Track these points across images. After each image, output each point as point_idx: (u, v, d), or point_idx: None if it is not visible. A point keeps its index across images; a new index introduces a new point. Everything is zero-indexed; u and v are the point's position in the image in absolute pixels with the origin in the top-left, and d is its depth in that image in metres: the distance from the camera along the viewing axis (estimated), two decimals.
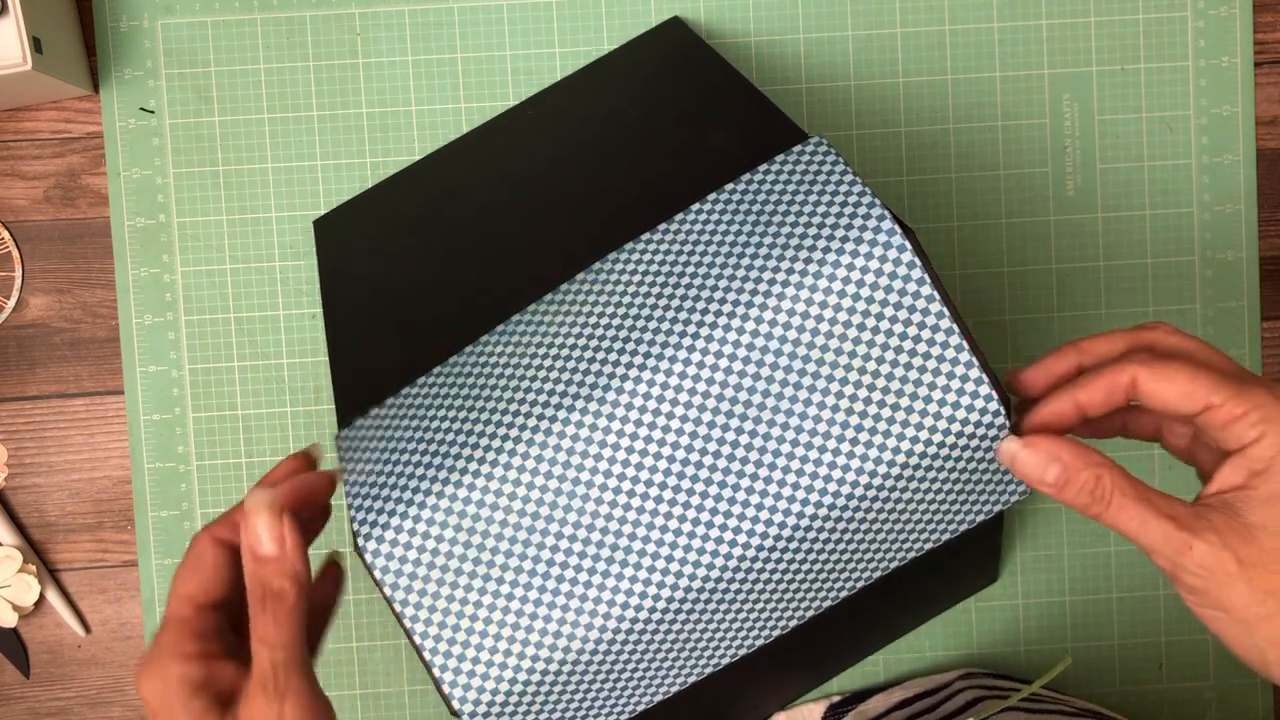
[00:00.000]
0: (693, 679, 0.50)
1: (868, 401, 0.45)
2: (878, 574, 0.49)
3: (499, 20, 0.67)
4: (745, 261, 0.46)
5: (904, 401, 0.45)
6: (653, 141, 0.57)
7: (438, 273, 0.57)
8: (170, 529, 0.68)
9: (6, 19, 0.60)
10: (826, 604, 0.49)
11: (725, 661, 0.50)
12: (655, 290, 0.47)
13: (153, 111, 0.68)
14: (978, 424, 0.45)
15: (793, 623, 0.49)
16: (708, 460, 0.45)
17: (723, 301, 0.46)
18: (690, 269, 0.47)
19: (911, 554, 0.49)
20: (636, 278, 0.48)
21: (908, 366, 0.45)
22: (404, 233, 0.61)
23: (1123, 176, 0.68)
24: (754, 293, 0.46)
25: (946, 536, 0.49)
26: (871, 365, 0.45)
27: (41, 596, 0.68)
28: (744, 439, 0.45)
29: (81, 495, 0.69)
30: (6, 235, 0.68)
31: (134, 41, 0.67)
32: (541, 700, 0.47)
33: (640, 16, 0.67)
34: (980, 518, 0.49)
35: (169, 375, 0.68)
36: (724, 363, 0.45)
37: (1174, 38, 0.68)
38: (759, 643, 0.49)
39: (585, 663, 0.46)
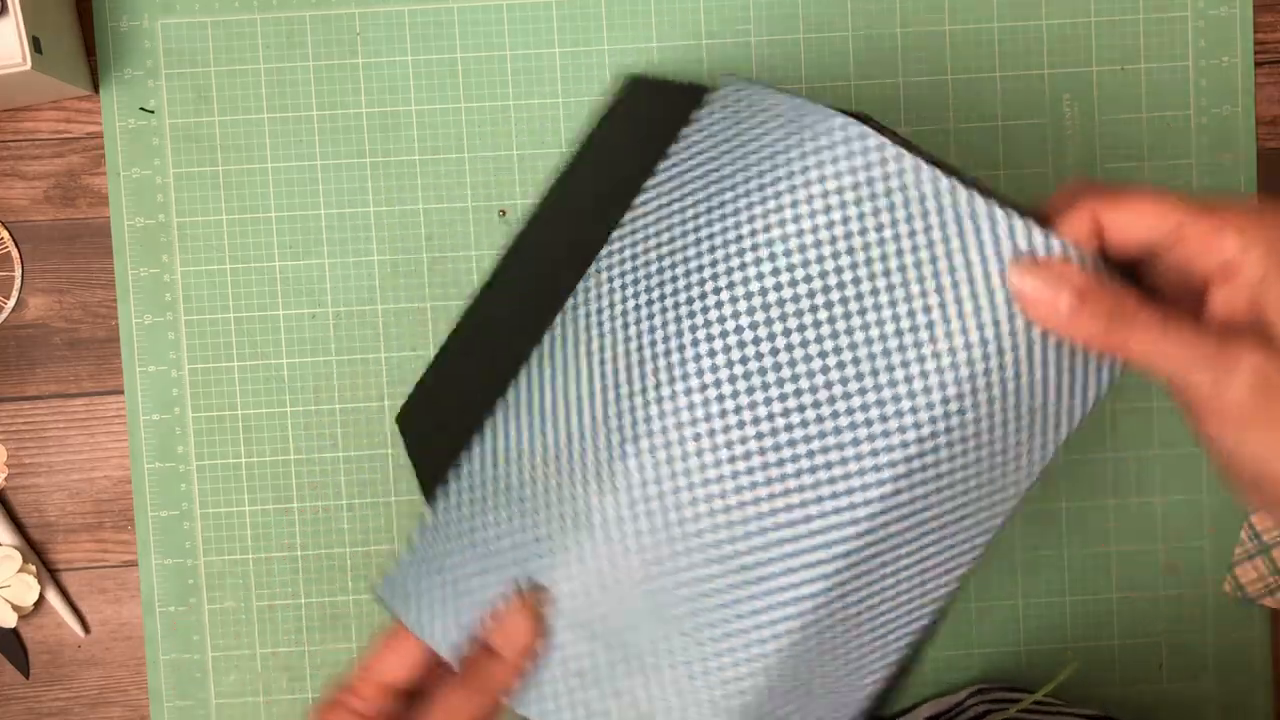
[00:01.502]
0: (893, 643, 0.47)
1: (924, 294, 0.41)
2: (1013, 500, 0.45)
3: (499, 20, 0.67)
4: (721, 226, 0.43)
5: (957, 276, 0.41)
6: None
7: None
8: (170, 529, 0.68)
9: (6, 19, 0.60)
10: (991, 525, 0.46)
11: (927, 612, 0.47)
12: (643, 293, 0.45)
13: (153, 111, 0.68)
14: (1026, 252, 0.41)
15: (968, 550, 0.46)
16: (793, 433, 0.42)
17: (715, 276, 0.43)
18: (672, 251, 0.44)
19: (1037, 467, 0.45)
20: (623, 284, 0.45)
21: (935, 242, 0.41)
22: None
23: (1123, 176, 0.68)
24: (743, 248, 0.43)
25: (1064, 431, 0.44)
26: (906, 259, 0.41)
27: (41, 597, 0.68)
28: (817, 398, 0.42)
29: (81, 495, 0.69)
30: (6, 235, 0.68)
31: (134, 41, 0.67)
32: None
33: (641, 16, 0.67)
34: (1083, 400, 0.44)
35: (169, 375, 0.68)
36: (758, 330, 0.42)
37: (1174, 38, 0.68)
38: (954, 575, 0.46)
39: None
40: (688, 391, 0.43)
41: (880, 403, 0.42)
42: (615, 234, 0.47)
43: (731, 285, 0.43)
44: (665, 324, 0.44)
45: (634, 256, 0.46)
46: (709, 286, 0.43)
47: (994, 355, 0.42)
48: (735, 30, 0.68)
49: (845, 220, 0.42)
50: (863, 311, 0.42)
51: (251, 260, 0.68)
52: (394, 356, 0.68)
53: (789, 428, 0.42)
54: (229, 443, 0.68)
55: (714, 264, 0.43)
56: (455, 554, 0.47)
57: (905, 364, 0.42)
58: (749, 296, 0.42)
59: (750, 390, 0.42)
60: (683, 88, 0.55)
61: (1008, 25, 0.68)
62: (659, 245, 0.45)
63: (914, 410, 0.42)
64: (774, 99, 0.45)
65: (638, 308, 0.45)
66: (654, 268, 0.45)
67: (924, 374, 0.42)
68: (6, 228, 0.68)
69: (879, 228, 0.42)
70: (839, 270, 0.42)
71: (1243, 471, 0.40)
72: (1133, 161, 0.68)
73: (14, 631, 0.69)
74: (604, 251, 0.47)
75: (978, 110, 0.68)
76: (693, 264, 0.44)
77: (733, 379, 0.42)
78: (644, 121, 0.55)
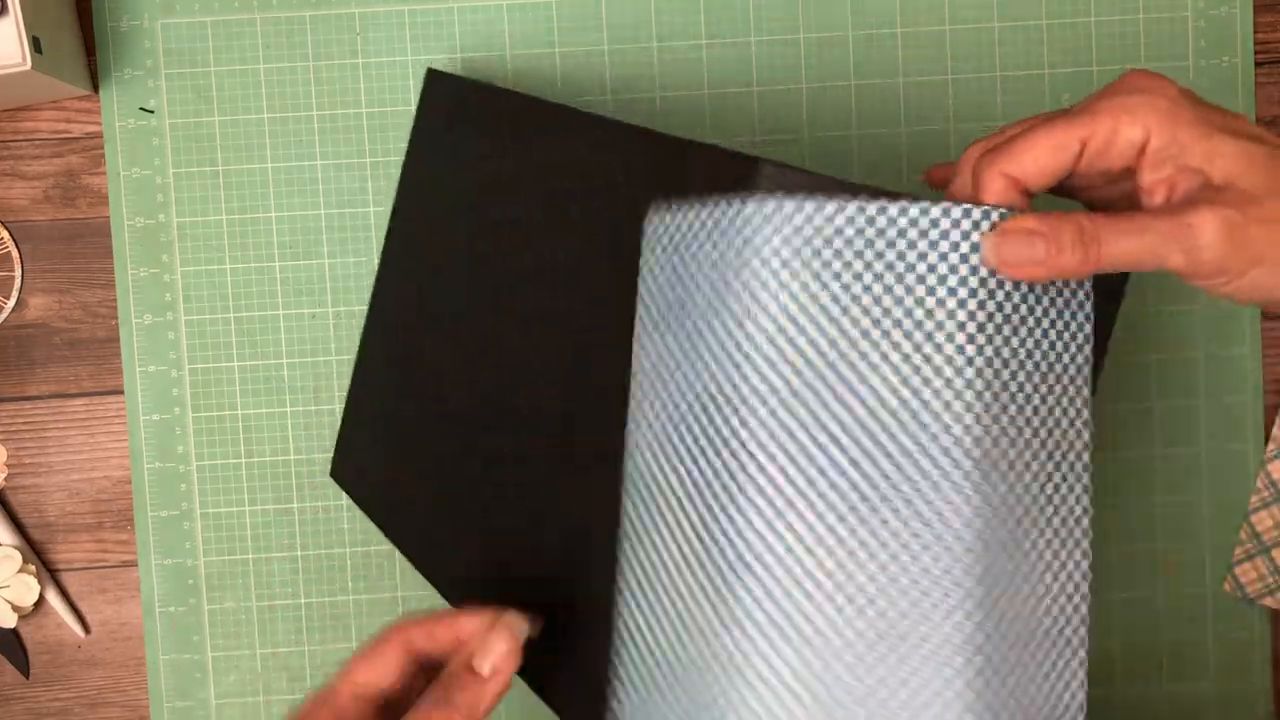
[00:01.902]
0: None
1: (896, 325, 0.42)
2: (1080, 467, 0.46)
3: (499, 20, 0.67)
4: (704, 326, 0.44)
5: (917, 291, 0.42)
6: (560, 217, 0.54)
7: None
8: (170, 529, 0.68)
9: (6, 19, 0.60)
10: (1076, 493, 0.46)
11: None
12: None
13: (152, 111, 0.68)
14: (976, 233, 0.43)
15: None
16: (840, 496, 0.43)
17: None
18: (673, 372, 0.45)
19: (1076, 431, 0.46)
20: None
21: (893, 264, 0.42)
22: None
23: None
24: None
25: (1081, 385, 0.46)
26: (865, 300, 0.42)
27: (41, 597, 0.68)
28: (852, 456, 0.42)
29: (81, 495, 0.69)
30: (6, 235, 0.68)
31: (134, 41, 0.67)
32: None
33: (641, 15, 0.67)
34: (1080, 338, 0.46)
35: (169, 375, 0.68)
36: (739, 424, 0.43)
37: (1174, 38, 0.68)
38: None
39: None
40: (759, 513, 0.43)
41: (920, 447, 0.43)
42: (632, 406, 0.48)
43: (734, 399, 0.43)
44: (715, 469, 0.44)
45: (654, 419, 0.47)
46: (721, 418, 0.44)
47: (987, 346, 0.43)
48: (735, 30, 0.68)
49: (806, 288, 0.42)
50: (869, 367, 0.43)
51: (251, 260, 0.68)
52: None
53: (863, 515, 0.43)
54: (229, 443, 0.68)
55: (714, 397, 0.44)
56: None
57: (920, 397, 0.43)
58: (759, 399, 0.43)
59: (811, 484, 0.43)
60: (476, 85, 0.58)
61: (1008, 25, 0.68)
62: (668, 404, 0.46)
63: (948, 446, 0.43)
64: (699, 220, 0.45)
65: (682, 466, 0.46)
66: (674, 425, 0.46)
67: (938, 406, 0.43)
68: (6, 228, 0.68)
69: (840, 281, 0.43)
70: (827, 339, 0.43)
71: (1246, 302, 0.44)
72: None
73: (14, 631, 0.69)
74: (630, 423, 0.48)
75: (978, 110, 0.68)
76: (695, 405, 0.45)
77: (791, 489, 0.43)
78: (451, 117, 0.59)
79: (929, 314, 0.42)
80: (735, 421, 0.43)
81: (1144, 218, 0.42)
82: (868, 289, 0.42)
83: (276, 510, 0.68)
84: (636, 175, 0.49)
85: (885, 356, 0.42)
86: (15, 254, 0.68)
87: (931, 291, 0.42)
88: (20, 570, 0.67)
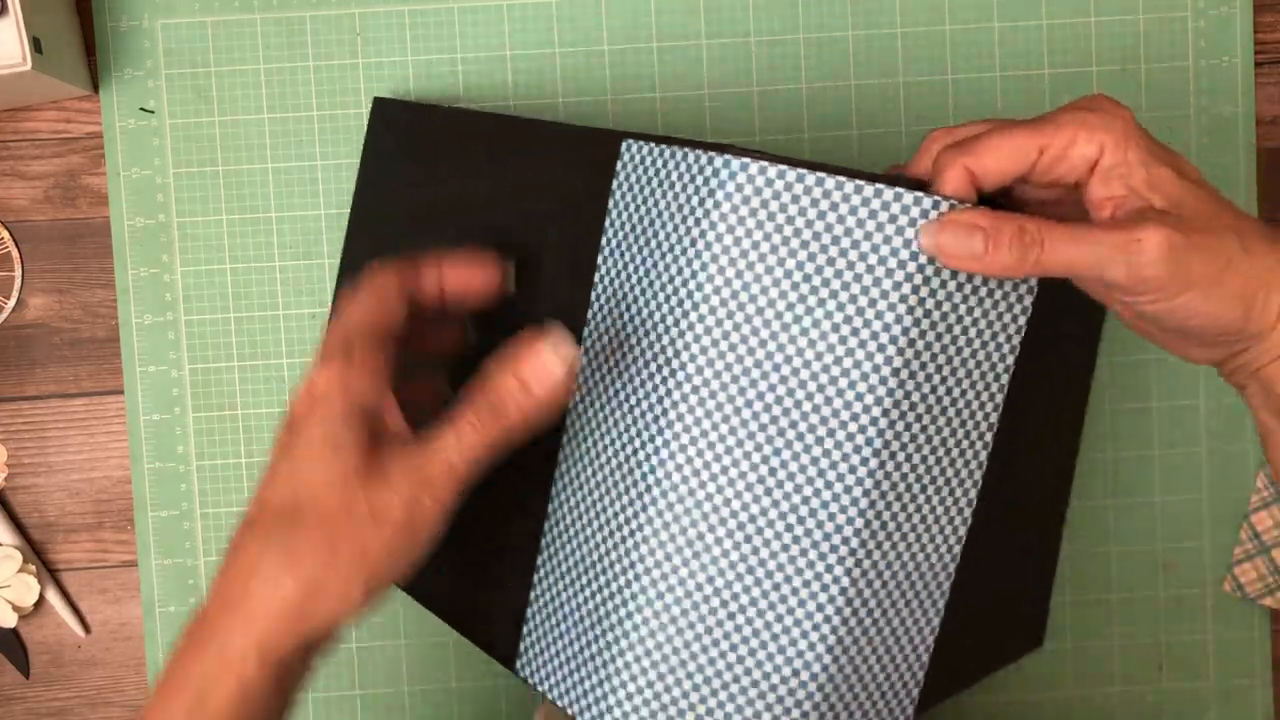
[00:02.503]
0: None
1: (833, 295, 0.45)
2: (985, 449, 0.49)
3: (499, 20, 0.67)
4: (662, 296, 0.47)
5: (858, 268, 0.45)
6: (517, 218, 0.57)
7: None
8: (170, 529, 0.68)
9: (6, 19, 0.60)
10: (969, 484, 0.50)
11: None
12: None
13: (153, 111, 0.68)
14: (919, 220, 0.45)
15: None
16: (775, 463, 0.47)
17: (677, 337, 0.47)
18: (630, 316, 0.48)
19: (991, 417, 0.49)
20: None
21: (840, 238, 0.45)
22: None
23: None
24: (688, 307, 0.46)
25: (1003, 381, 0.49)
26: (809, 266, 0.45)
27: (41, 597, 0.68)
28: (785, 424, 0.46)
29: (81, 495, 0.69)
30: (6, 235, 0.68)
31: (134, 41, 0.67)
32: None
33: (641, 15, 0.67)
34: (1010, 332, 0.49)
35: (169, 375, 0.68)
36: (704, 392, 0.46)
37: (1174, 38, 0.68)
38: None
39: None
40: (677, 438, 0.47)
41: (832, 409, 0.46)
42: (590, 318, 0.51)
43: (686, 335, 0.47)
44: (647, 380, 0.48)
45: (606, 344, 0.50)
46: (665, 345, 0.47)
47: (913, 329, 0.46)
48: (735, 30, 0.68)
49: (756, 247, 0.46)
50: (801, 330, 0.46)
51: (251, 260, 0.68)
52: None
53: (771, 435, 0.46)
54: (229, 443, 0.68)
55: (668, 328, 0.47)
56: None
57: (850, 353, 0.46)
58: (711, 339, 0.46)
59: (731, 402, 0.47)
60: (421, 108, 0.60)
61: (1008, 25, 0.68)
62: (623, 326, 0.49)
63: (868, 404, 0.46)
64: (670, 163, 0.48)
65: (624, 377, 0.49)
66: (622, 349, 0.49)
67: (856, 375, 0.46)
68: (6, 228, 0.68)
69: (788, 245, 0.45)
70: (769, 297, 0.46)
71: (1168, 324, 0.46)
72: None
73: (14, 631, 0.69)
74: (585, 337, 0.51)
75: (978, 110, 0.68)
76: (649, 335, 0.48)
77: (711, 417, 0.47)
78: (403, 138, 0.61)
79: (865, 290, 0.45)
80: (678, 346, 0.46)
81: (1091, 228, 0.44)
82: (814, 256, 0.45)
83: None
84: (596, 178, 0.51)
85: (817, 323, 0.45)
86: (15, 254, 0.68)
87: (871, 270, 0.45)
88: (20, 570, 0.67)
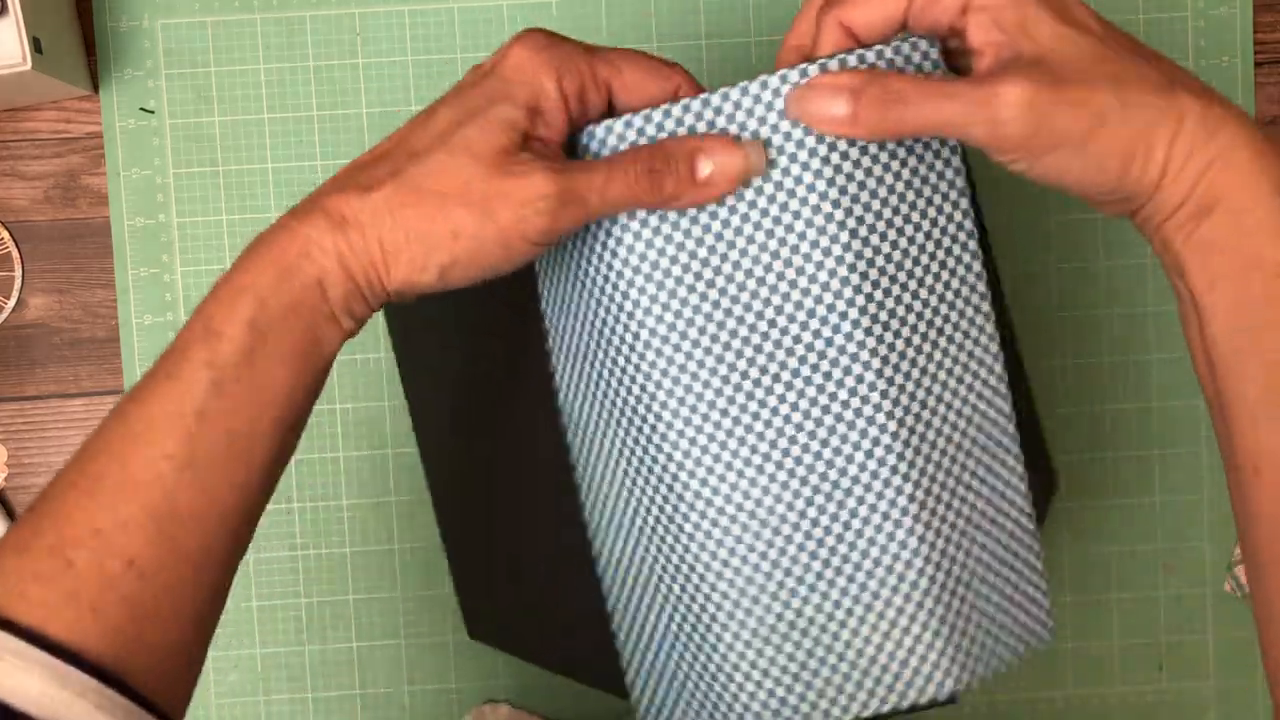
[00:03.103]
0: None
1: (759, 191, 0.44)
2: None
3: (499, 20, 0.67)
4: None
5: (779, 162, 0.44)
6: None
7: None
8: None
9: (6, 19, 0.60)
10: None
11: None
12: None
13: (153, 111, 0.68)
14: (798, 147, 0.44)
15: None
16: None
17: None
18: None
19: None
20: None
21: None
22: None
23: None
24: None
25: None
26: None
27: None
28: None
29: None
30: (6, 235, 0.68)
31: (134, 41, 0.67)
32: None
33: (641, 15, 0.67)
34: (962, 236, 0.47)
35: None
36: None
37: (1174, 38, 0.68)
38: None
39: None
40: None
41: (807, 310, 0.45)
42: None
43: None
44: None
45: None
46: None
47: (850, 192, 0.44)
48: (735, 30, 0.68)
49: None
50: (746, 239, 0.44)
51: None
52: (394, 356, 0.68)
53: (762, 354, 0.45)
54: None
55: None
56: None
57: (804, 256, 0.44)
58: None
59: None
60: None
61: None
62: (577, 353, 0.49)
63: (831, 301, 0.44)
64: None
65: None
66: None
67: (811, 268, 0.44)
68: (6, 228, 0.68)
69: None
70: (702, 227, 0.44)
71: (1045, 184, 0.43)
72: None
73: None
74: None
75: None
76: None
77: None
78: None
79: (779, 183, 0.44)
80: (618, 348, 0.45)
81: (954, 83, 0.42)
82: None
83: (276, 510, 0.68)
84: None
85: (758, 224, 0.44)
86: (15, 254, 0.68)
87: (783, 152, 0.44)
88: None
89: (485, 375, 0.57)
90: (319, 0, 0.67)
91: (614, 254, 0.45)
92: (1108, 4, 0.67)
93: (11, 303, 0.68)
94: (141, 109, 0.68)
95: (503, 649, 0.61)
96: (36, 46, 0.61)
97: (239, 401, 0.42)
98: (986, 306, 0.48)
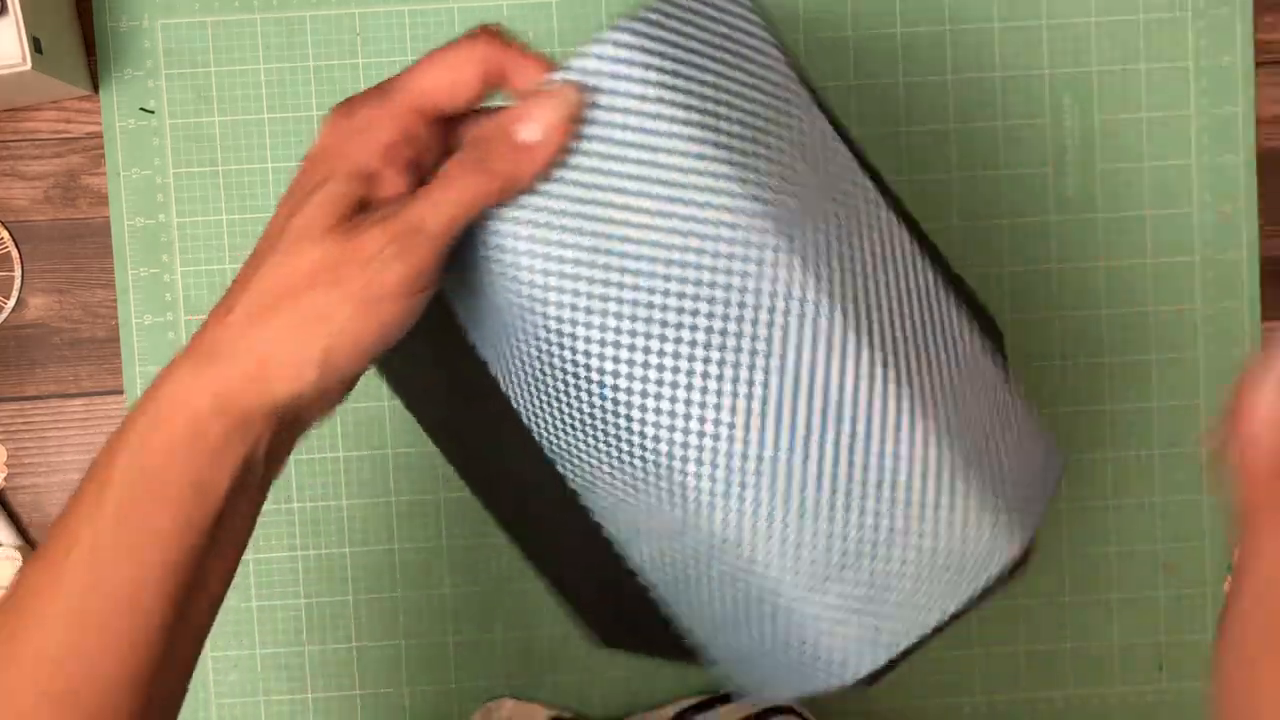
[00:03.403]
0: None
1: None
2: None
3: (499, 20, 0.67)
4: None
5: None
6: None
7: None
8: None
9: (6, 19, 0.60)
10: None
11: None
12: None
13: (153, 111, 0.68)
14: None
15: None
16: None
17: None
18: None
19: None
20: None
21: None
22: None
23: (1123, 176, 0.68)
24: None
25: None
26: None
27: None
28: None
29: None
30: (6, 235, 0.68)
31: (134, 41, 0.67)
32: None
33: None
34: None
35: None
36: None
37: (1174, 38, 0.68)
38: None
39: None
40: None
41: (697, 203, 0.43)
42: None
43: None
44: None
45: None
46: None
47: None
48: None
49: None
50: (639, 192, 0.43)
51: None
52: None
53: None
54: None
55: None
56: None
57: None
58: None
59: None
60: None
61: (1008, 25, 0.68)
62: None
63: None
64: None
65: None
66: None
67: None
68: (6, 228, 0.68)
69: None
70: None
71: None
72: (1133, 161, 0.68)
73: None
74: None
75: (978, 110, 0.68)
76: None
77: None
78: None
79: (610, 105, 0.42)
80: (525, 372, 0.44)
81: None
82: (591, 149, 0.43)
83: (276, 510, 0.68)
84: None
85: (608, 154, 0.42)
86: (15, 254, 0.68)
87: (600, 74, 0.42)
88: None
89: (464, 402, 0.56)
90: (319, 0, 0.67)
91: (515, 267, 0.43)
92: (1108, 4, 0.68)
93: (11, 303, 0.68)
94: (141, 109, 0.68)
95: (632, 651, 0.60)
96: (36, 46, 0.61)
97: (119, 554, 0.40)
98: (846, 150, 0.46)
